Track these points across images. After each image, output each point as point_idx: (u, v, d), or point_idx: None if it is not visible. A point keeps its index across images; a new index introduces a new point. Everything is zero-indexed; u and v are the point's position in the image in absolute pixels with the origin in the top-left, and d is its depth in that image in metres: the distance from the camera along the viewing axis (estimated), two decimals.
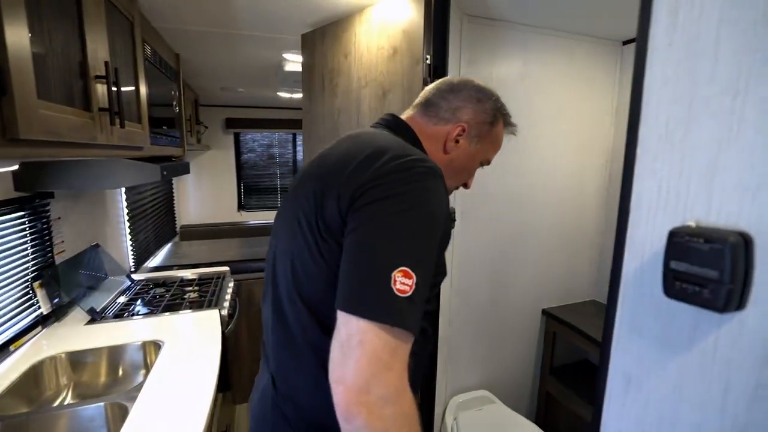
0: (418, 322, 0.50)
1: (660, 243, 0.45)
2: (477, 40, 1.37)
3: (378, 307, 0.47)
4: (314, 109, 1.56)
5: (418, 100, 0.75)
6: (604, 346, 0.56)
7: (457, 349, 1.47)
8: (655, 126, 0.47)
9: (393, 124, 0.71)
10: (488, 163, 0.78)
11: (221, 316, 1.41)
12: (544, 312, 1.69)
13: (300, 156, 4.33)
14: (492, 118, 0.73)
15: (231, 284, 1.78)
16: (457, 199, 1.42)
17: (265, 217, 4.14)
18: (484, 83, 0.75)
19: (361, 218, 0.51)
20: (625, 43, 1.55)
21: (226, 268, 1.98)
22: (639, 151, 0.48)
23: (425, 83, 1.03)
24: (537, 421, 1.65)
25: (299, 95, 3.00)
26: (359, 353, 0.46)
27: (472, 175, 0.79)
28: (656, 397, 0.48)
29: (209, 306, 1.48)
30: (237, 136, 3.98)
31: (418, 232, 0.51)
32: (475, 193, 1.48)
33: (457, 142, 0.71)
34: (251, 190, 4.20)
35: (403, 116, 0.74)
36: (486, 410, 1.46)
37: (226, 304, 1.54)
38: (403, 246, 0.49)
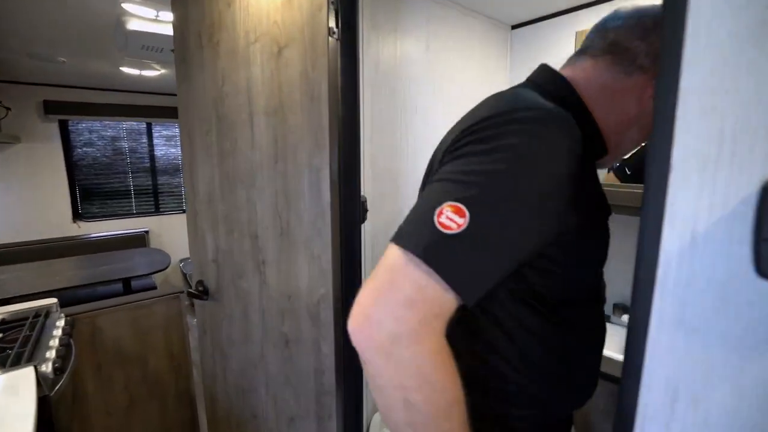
0: (462, 271, 0.40)
1: (727, 207, 0.33)
2: (380, 3, 1.20)
3: (412, 235, 0.42)
4: (191, 76, 1.18)
5: (587, 43, 0.58)
6: (631, 352, 0.43)
7: None
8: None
9: (537, 76, 0.58)
10: None
11: (40, 375, 0.95)
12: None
13: (161, 151, 3.58)
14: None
15: (60, 322, 1.26)
16: (367, 188, 1.23)
17: (114, 228, 3.30)
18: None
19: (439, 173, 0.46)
20: (513, 27, 1.58)
21: (53, 300, 1.41)
22: (683, 85, 0.36)
23: (332, 34, 0.81)
24: None
25: (153, 72, 2.41)
26: (381, 273, 0.42)
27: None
28: (721, 414, 0.36)
29: (17, 363, 0.99)
30: (64, 125, 3.06)
31: (492, 172, 0.42)
32: (383, 176, 1.31)
33: (645, 92, 0.54)
34: (92, 194, 3.30)
35: (568, 67, 0.59)
36: None
37: (51, 353, 1.06)
38: (465, 179, 0.42)
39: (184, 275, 3.34)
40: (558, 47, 1.40)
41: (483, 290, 0.42)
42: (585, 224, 0.49)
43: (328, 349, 0.93)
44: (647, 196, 0.41)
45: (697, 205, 0.37)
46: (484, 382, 0.53)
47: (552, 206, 0.44)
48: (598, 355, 0.62)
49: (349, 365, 0.94)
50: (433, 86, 1.41)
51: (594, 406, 1.20)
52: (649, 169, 0.41)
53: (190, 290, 1.24)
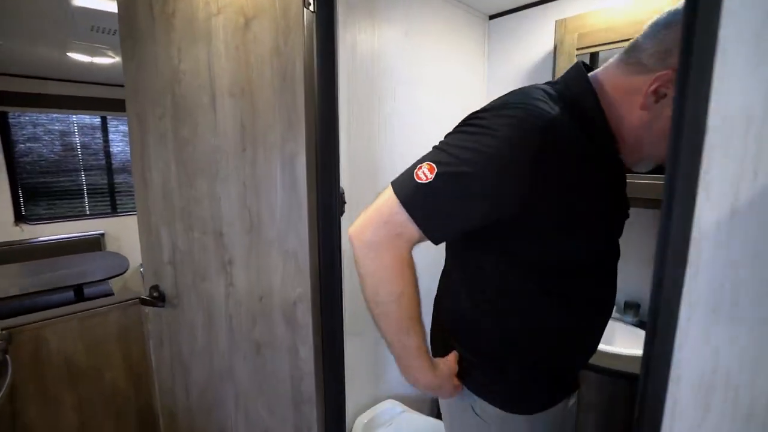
0: (422, 209, 0.55)
1: None
2: None
3: (397, 180, 0.58)
4: (141, 53, 1.06)
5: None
6: (655, 339, 0.38)
7: (350, 363, 1.22)
8: None
9: (566, 74, 0.62)
10: None
11: None
12: None
13: (117, 147, 3.33)
14: None
15: None
16: (344, 179, 1.15)
17: (65, 230, 3.04)
18: None
19: None
20: (491, 17, 1.55)
21: None
22: (723, 34, 0.31)
23: (307, 5, 0.72)
24: None
25: (106, 60, 2.22)
26: (376, 201, 0.59)
27: None
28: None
29: None
30: (4, 118, 2.78)
31: (465, 148, 0.55)
32: (361, 167, 1.24)
33: (659, 96, 0.55)
34: (38, 194, 3.02)
35: (604, 67, 0.61)
36: (396, 423, 1.25)
37: None
38: (446, 150, 0.56)
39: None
40: (536, 37, 1.37)
41: (437, 231, 0.58)
42: (571, 206, 0.57)
43: (307, 353, 0.85)
44: (676, 164, 0.36)
45: (739, 171, 0.33)
46: (479, 327, 0.66)
47: (506, 189, 0.54)
48: (598, 321, 0.69)
49: (330, 369, 0.85)
50: (411, 74, 1.35)
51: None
52: (677, 132, 0.36)
53: (143, 297, 1.11)
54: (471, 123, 0.57)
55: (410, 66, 1.34)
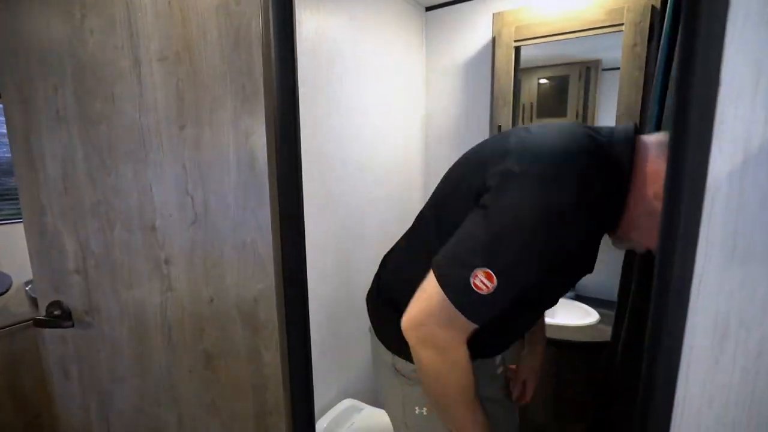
0: (484, 317, 0.57)
1: None
2: None
3: (452, 282, 0.56)
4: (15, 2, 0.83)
5: None
6: (669, 293, 0.40)
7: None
8: None
9: (611, 134, 0.60)
10: None
11: None
12: None
13: None
14: None
15: None
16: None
17: None
18: None
19: (485, 202, 0.56)
20: (428, 9, 1.57)
21: None
22: None
23: None
24: None
25: None
26: (432, 298, 0.58)
27: None
28: None
29: None
30: None
31: (511, 239, 0.54)
32: (309, 155, 1.16)
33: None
34: None
35: (654, 137, 0.61)
36: (358, 421, 1.19)
37: None
38: (496, 245, 0.54)
39: (33, 300, 2.51)
40: (474, 29, 1.43)
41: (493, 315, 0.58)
42: (562, 273, 0.65)
43: (272, 356, 0.75)
44: (690, 117, 0.38)
45: (750, 120, 0.35)
46: None
47: (546, 268, 0.56)
48: (533, 319, 0.82)
49: (298, 372, 0.77)
50: (357, 58, 1.30)
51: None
52: (690, 87, 0.38)
53: (39, 317, 0.88)
54: (513, 191, 0.54)
55: (355, 50, 1.29)
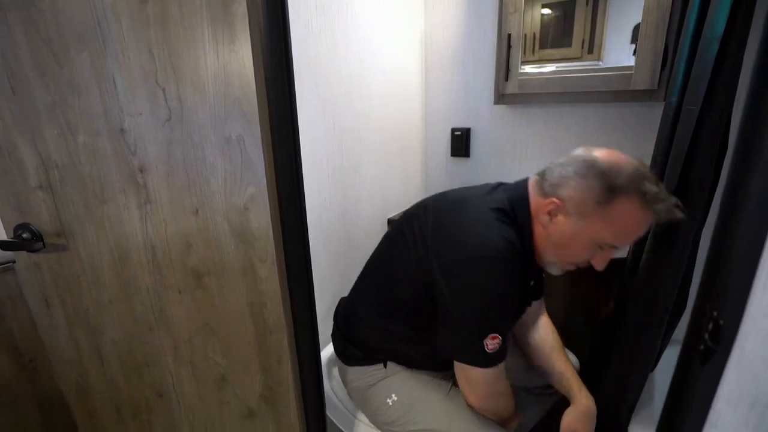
0: (502, 359, 0.74)
1: None
2: None
3: (479, 359, 0.73)
4: None
5: None
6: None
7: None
8: None
9: (512, 190, 0.79)
10: (613, 246, 0.71)
11: None
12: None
13: None
14: (603, 197, 0.67)
15: None
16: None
17: None
18: (607, 156, 0.70)
19: (444, 293, 0.72)
20: None
21: None
22: None
23: None
24: None
25: None
26: (470, 387, 0.78)
27: (588, 255, 0.74)
28: None
29: None
30: None
31: (500, 311, 0.73)
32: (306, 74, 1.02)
33: (551, 216, 0.73)
34: None
35: (530, 185, 0.78)
36: None
37: None
38: (483, 315, 0.71)
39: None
40: None
41: (501, 351, 0.73)
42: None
43: (268, 271, 0.67)
44: None
45: None
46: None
47: (511, 310, 0.79)
48: None
49: (299, 286, 0.70)
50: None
51: None
52: None
53: (4, 240, 0.78)
54: (466, 282, 0.71)
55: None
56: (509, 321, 0.78)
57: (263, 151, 0.61)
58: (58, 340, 0.89)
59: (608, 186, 0.66)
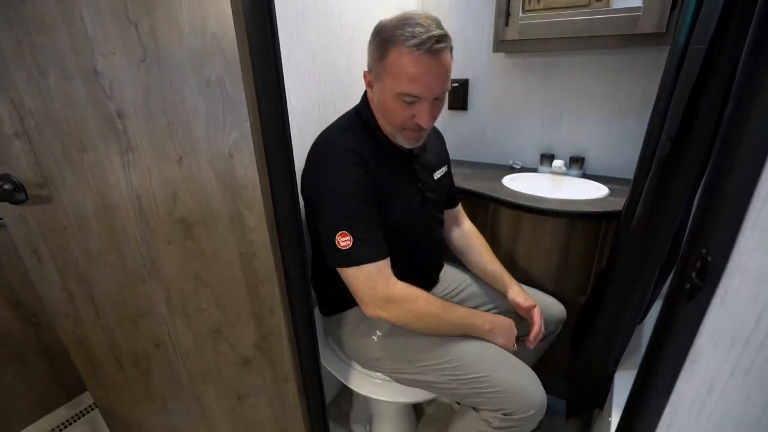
0: (373, 250, 0.78)
1: None
2: None
3: (339, 259, 0.78)
4: None
5: None
6: None
7: None
8: None
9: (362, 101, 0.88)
10: (409, 96, 0.74)
11: None
12: None
13: None
14: (380, 54, 0.74)
15: None
16: None
17: None
18: (388, 17, 0.75)
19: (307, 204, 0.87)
20: None
21: None
22: None
23: None
24: None
25: None
26: (353, 288, 0.80)
27: (402, 111, 0.77)
28: None
29: None
30: None
31: (336, 206, 0.77)
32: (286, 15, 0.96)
33: (371, 89, 0.82)
34: None
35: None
36: None
37: None
38: (331, 220, 0.78)
39: None
40: None
41: (380, 245, 0.80)
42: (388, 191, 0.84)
43: (256, 220, 0.66)
44: None
45: None
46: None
47: (358, 198, 0.77)
48: (423, 254, 0.98)
49: (288, 234, 0.69)
50: None
51: None
52: None
53: None
54: (317, 181, 0.79)
55: None
56: (360, 220, 0.77)
57: (245, 93, 0.58)
58: (52, 292, 0.89)
59: (380, 42, 0.73)
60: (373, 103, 0.83)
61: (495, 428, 0.80)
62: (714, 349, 0.36)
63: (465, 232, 1.09)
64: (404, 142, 0.83)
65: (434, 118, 0.79)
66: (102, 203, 0.75)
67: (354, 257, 0.76)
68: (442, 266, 1.09)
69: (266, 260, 0.69)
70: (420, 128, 0.79)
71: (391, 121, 0.80)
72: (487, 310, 1.03)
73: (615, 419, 0.84)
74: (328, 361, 1.04)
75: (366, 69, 0.81)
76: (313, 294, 1.02)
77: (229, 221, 0.68)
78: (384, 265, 0.78)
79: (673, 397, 0.41)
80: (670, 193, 0.78)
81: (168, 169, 0.67)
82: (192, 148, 0.64)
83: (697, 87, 0.71)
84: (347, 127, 0.84)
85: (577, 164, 1.30)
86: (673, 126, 0.72)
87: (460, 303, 1.04)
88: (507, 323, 0.89)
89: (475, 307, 1.03)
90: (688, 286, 0.37)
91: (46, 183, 0.76)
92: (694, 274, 0.37)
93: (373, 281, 0.77)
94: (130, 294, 0.83)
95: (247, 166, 0.62)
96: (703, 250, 0.36)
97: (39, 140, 0.72)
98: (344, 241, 0.75)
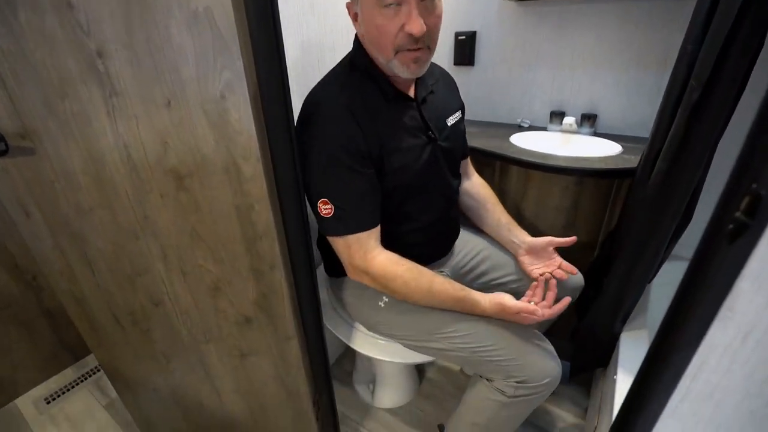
0: (353, 221, 0.77)
1: None
2: None
3: (321, 226, 0.80)
4: None
5: None
6: None
7: None
8: None
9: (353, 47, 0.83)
10: (388, 5, 0.67)
11: None
12: None
13: None
14: None
15: None
16: None
17: None
18: None
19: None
20: None
21: None
22: None
23: None
24: None
25: None
26: (336, 252, 0.83)
27: (389, 25, 0.69)
28: None
29: None
30: None
31: (318, 172, 0.75)
32: None
33: (356, 20, 0.76)
34: None
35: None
36: None
37: None
38: (314, 188, 0.77)
39: None
40: None
41: (363, 215, 0.78)
42: (391, 147, 0.80)
43: (253, 169, 0.62)
44: None
45: None
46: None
47: (343, 161, 0.75)
48: (438, 216, 0.91)
49: (288, 188, 0.65)
50: None
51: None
52: None
53: None
54: (304, 142, 0.76)
55: None
56: (343, 187, 0.75)
57: (237, 28, 0.52)
58: (43, 249, 0.87)
59: None
60: (364, 38, 0.77)
61: (509, 397, 0.78)
62: (756, 293, 0.33)
63: (474, 183, 1.03)
64: (403, 70, 0.75)
65: (428, 27, 0.69)
66: (89, 155, 0.70)
67: (333, 227, 0.76)
68: (458, 234, 1.00)
69: (264, 213, 0.66)
70: (415, 43, 0.70)
71: (382, 44, 0.72)
72: (512, 281, 0.99)
73: (621, 376, 0.83)
74: (331, 322, 1.03)
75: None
76: (317, 253, 0.99)
77: (224, 171, 0.64)
78: (366, 237, 0.77)
79: (702, 348, 0.38)
80: (693, 144, 0.74)
81: (156, 115, 0.62)
82: (181, 91, 0.59)
83: (732, 32, 0.65)
84: (334, 79, 0.80)
85: (589, 122, 1.24)
86: (705, 70, 0.67)
87: (481, 276, 0.97)
88: (510, 312, 0.78)
89: (500, 280, 0.97)
90: (731, 226, 0.34)
91: (27, 134, 0.71)
92: (739, 213, 0.33)
93: (352, 251, 0.78)
94: (125, 252, 0.81)
95: (241, 110, 0.58)
96: (754, 185, 0.32)
97: (15, 85, 0.66)
98: (326, 209, 0.76)
